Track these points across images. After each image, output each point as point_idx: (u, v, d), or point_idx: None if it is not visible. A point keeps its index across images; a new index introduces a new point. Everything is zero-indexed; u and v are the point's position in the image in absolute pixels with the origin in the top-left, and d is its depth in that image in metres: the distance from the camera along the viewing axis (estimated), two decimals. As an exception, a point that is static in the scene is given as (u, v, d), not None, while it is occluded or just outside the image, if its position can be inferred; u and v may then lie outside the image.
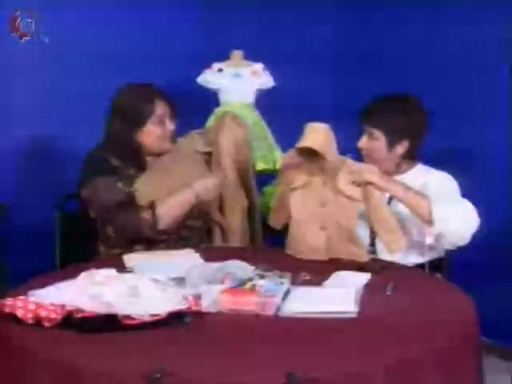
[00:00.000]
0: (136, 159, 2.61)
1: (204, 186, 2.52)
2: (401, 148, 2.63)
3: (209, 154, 2.74)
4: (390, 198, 2.53)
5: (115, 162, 2.58)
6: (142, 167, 2.62)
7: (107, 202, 2.50)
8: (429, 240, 2.43)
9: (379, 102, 2.66)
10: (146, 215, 2.46)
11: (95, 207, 2.54)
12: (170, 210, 2.49)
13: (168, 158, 2.66)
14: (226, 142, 2.71)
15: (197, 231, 2.65)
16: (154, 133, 2.59)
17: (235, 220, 2.72)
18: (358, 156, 2.65)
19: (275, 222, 2.57)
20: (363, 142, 2.65)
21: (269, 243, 2.80)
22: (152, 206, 2.48)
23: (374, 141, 2.62)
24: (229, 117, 2.78)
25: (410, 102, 2.67)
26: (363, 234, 2.52)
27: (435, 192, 2.48)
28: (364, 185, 2.35)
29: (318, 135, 2.33)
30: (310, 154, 2.36)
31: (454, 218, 2.37)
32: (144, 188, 2.55)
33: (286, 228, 2.51)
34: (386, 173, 2.51)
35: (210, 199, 2.57)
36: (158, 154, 2.65)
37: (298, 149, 2.37)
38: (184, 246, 2.52)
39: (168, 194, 2.53)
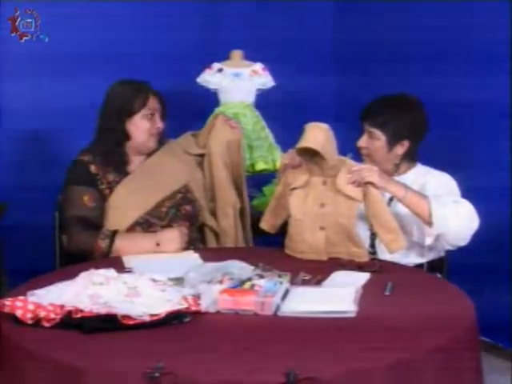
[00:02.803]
0: (118, 156, 2.60)
1: (168, 240, 2.45)
2: (401, 148, 2.63)
3: (202, 155, 2.74)
4: (391, 199, 2.53)
5: (94, 169, 2.58)
6: (122, 170, 2.60)
7: (68, 214, 2.53)
8: (428, 240, 2.43)
9: (380, 102, 2.66)
10: (102, 244, 2.43)
11: (61, 215, 2.60)
12: (125, 249, 2.43)
13: (156, 159, 2.66)
14: (218, 144, 2.71)
15: (188, 232, 2.60)
16: (141, 126, 2.60)
17: (228, 222, 2.72)
18: (358, 156, 2.65)
19: (268, 225, 2.53)
20: (363, 142, 2.65)
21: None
22: (112, 237, 2.44)
23: (374, 140, 2.62)
24: (221, 118, 2.77)
25: (411, 102, 2.67)
26: (363, 234, 2.51)
27: (435, 192, 2.48)
28: (364, 185, 2.35)
29: (318, 135, 2.32)
30: (310, 154, 2.36)
31: (454, 218, 2.37)
32: (122, 196, 2.54)
33: (281, 229, 2.51)
34: (386, 173, 2.51)
35: (169, 251, 2.45)
36: (142, 153, 2.65)
37: (298, 149, 2.37)
38: None
39: (150, 200, 2.53)
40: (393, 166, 2.65)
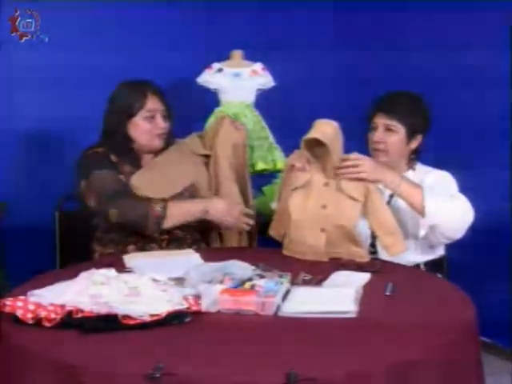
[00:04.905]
0: (128, 152, 2.61)
1: (217, 206, 2.50)
2: (415, 143, 2.64)
3: (207, 156, 2.75)
4: (391, 196, 2.53)
5: (113, 158, 2.59)
6: (136, 164, 2.62)
7: (111, 188, 2.49)
8: (422, 232, 2.43)
9: (396, 96, 2.66)
10: (158, 208, 2.44)
11: (96, 194, 2.51)
12: (178, 213, 2.47)
13: (165, 157, 2.67)
14: (224, 145, 2.71)
15: (191, 232, 2.63)
16: (142, 127, 2.60)
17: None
18: (365, 153, 2.62)
19: (276, 232, 2.51)
20: (379, 136, 2.62)
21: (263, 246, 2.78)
22: (165, 202, 2.47)
23: (391, 134, 2.61)
24: (227, 120, 2.78)
25: (422, 98, 2.67)
26: (364, 232, 2.51)
27: (431, 186, 2.48)
28: (363, 184, 2.35)
29: (327, 129, 2.33)
30: (315, 152, 2.35)
31: (447, 209, 2.38)
32: (137, 186, 2.54)
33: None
34: (399, 169, 2.54)
35: (216, 220, 2.52)
36: (150, 152, 2.66)
37: (305, 140, 2.34)
38: (177, 247, 2.53)
39: (162, 193, 2.54)
40: (406, 160, 2.66)
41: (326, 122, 2.35)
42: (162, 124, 2.62)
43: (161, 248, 2.55)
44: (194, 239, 2.64)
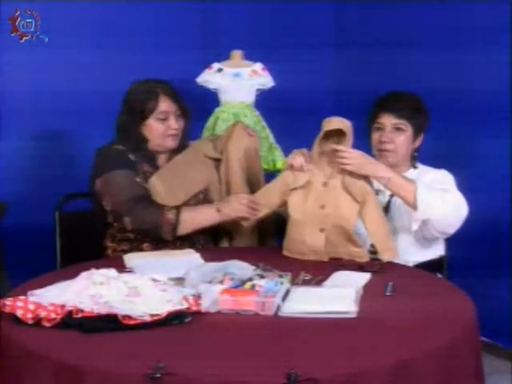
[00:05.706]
0: (145, 152, 2.63)
1: (228, 201, 2.54)
2: (418, 141, 2.65)
3: (218, 160, 2.76)
4: (391, 196, 2.53)
5: (133, 158, 2.60)
6: (153, 163, 2.64)
7: (127, 194, 2.51)
8: (415, 226, 2.42)
9: (400, 96, 2.66)
10: (170, 215, 2.47)
11: (113, 198, 2.53)
12: (192, 220, 2.50)
13: (182, 158, 2.68)
14: (236, 149, 2.73)
15: (203, 233, 2.64)
16: (155, 129, 2.61)
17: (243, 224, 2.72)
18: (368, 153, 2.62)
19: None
20: (388, 136, 2.61)
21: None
22: (178, 208, 2.49)
23: (400, 133, 2.61)
24: (239, 126, 2.80)
25: (420, 98, 2.67)
26: (365, 233, 2.51)
27: (429, 184, 2.48)
28: (363, 185, 2.35)
29: (342, 123, 2.34)
30: (323, 147, 2.36)
31: (440, 203, 2.38)
32: (158, 186, 2.56)
33: (281, 230, 2.50)
34: (403, 167, 2.56)
35: (232, 215, 2.53)
36: (164, 152, 2.67)
37: (325, 132, 2.34)
38: (191, 247, 2.53)
39: (182, 196, 2.56)
40: (410, 159, 2.66)
41: (341, 118, 2.36)
42: (174, 125, 2.62)
43: (175, 247, 2.56)
44: (206, 240, 2.67)
